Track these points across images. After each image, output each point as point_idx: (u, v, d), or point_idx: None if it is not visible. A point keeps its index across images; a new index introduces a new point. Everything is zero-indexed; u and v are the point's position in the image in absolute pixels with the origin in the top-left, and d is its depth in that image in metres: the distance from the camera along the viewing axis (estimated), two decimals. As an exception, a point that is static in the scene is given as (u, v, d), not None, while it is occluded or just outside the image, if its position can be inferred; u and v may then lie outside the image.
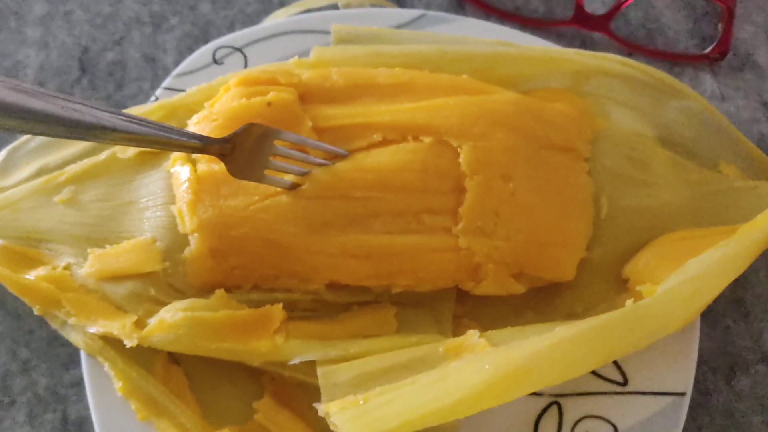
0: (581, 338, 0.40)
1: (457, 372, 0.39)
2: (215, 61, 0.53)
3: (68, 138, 0.38)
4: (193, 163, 0.45)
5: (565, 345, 0.40)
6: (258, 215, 0.44)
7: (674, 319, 0.42)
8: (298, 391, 0.45)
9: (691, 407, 0.48)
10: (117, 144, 0.43)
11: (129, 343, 0.42)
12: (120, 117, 0.38)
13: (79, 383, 0.47)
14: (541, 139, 0.47)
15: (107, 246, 0.45)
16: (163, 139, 0.40)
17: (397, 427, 0.37)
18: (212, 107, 0.46)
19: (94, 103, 0.38)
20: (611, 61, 0.50)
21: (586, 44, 0.59)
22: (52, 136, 0.37)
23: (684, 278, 0.42)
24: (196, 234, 0.44)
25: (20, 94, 0.35)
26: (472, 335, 0.42)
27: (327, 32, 0.53)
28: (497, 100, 0.47)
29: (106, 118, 0.37)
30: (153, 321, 0.43)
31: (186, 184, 0.44)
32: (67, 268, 0.45)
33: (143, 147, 0.43)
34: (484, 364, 0.39)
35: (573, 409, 0.45)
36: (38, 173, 0.48)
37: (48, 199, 0.46)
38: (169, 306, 0.43)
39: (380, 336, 0.44)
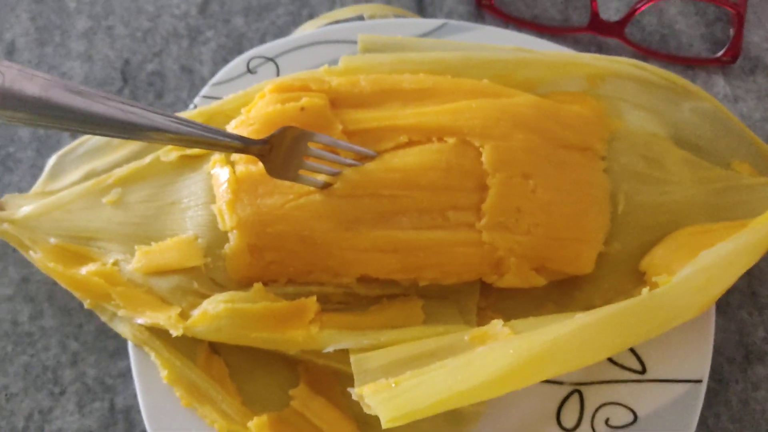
0: (600, 325, 0.42)
1: (482, 357, 0.41)
2: (249, 71, 0.56)
3: (124, 138, 0.41)
4: (232, 165, 0.48)
5: (585, 331, 0.42)
6: (293, 213, 0.46)
7: (689, 307, 0.44)
8: (331, 379, 0.47)
9: (708, 396, 0.50)
10: (167, 144, 0.46)
11: (175, 333, 0.45)
12: (171, 119, 0.41)
13: (125, 374, 0.50)
14: (559, 139, 0.49)
15: (152, 243, 0.48)
16: (210, 140, 0.43)
17: (428, 408, 0.40)
18: (249, 113, 0.49)
19: (147, 106, 0.41)
20: (625, 64, 0.53)
21: (601, 50, 0.62)
22: (110, 136, 0.40)
23: (698, 268, 0.44)
24: (235, 231, 0.47)
25: (81, 98, 0.38)
26: (496, 324, 0.44)
27: (354, 42, 0.56)
28: (517, 103, 0.50)
29: (160, 120, 0.40)
30: (196, 312, 0.45)
31: (225, 185, 0.47)
32: (115, 264, 0.48)
33: (191, 147, 0.46)
34: (508, 349, 0.41)
35: (594, 396, 0.48)
36: (86, 177, 0.51)
37: (97, 200, 0.50)
38: (211, 298, 0.46)
39: (408, 327, 0.47)
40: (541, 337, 0.41)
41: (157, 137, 0.41)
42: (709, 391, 0.50)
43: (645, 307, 0.43)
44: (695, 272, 0.44)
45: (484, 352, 0.42)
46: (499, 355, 0.41)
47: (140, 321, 0.46)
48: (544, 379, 0.42)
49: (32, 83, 0.37)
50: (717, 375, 0.51)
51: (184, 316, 0.46)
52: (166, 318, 0.45)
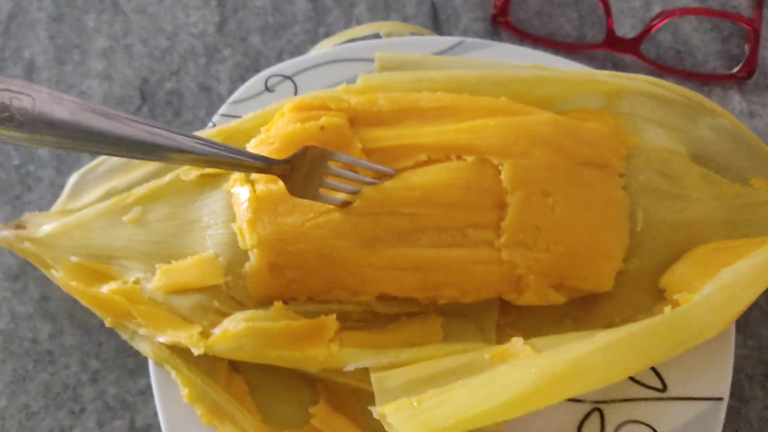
0: (621, 343, 0.42)
1: (504, 375, 0.41)
2: (267, 89, 0.57)
3: (149, 160, 0.41)
4: (252, 184, 0.48)
5: (607, 350, 0.42)
6: (313, 231, 0.47)
7: (710, 326, 0.44)
8: (351, 397, 0.47)
9: (728, 414, 0.49)
10: (191, 165, 0.46)
11: (196, 352, 0.45)
12: (196, 141, 0.41)
13: (145, 392, 0.51)
14: (577, 156, 0.50)
15: (173, 261, 0.48)
16: (233, 161, 0.43)
17: (451, 427, 0.40)
18: (268, 131, 0.50)
19: (172, 128, 0.41)
20: (642, 81, 0.53)
21: (617, 67, 0.62)
22: (136, 158, 0.41)
23: (718, 286, 0.44)
24: (255, 250, 0.47)
25: (109, 121, 0.39)
26: (517, 342, 0.44)
27: (371, 60, 0.56)
28: (535, 121, 0.50)
29: (185, 142, 0.41)
30: (217, 331, 0.46)
31: (246, 204, 0.47)
32: (136, 282, 0.48)
33: (214, 168, 0.46)
34: (531, 368, 0.41)
35: (614, 414, 0.47)
36: (107, 195, 0.52)
37: (117, 219, 0.50)
38: (231, 317, 0.46)
39: (428, 344, 0.47)
40: (563, 356, 0.41)
41: (182, 159, 0.41)
42: (730, 409, 0.50)
43: (667, 326, 0.43)
44: (716, 290, 0.44)
45: (506, 371, 0.42)
46: (521, 374, 0.41)
47: (162, 339, 0.46)
48: (567, 398, 0.42)
49: (61, 107, 0.38)
50: (737, 393, 0.51)
51: (205, 334, 0.46)
52: (187, 337, 0.45)
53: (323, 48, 0.61)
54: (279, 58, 0.63)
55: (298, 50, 0.63)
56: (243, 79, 0.61)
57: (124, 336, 0.48)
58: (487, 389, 0.41)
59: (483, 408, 0.40)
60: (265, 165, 0.45)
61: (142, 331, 0.47)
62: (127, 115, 0.40)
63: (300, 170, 0.46)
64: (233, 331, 0.45)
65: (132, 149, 0.40)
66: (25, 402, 0.50)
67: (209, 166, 0.44)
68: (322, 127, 0.49)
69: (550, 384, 0.40)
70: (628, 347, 0.42)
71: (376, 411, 0.42)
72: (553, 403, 0.41)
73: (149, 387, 0.50)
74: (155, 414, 0.49)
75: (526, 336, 0.46)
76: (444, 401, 0.41)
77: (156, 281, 0.47)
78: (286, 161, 0.45)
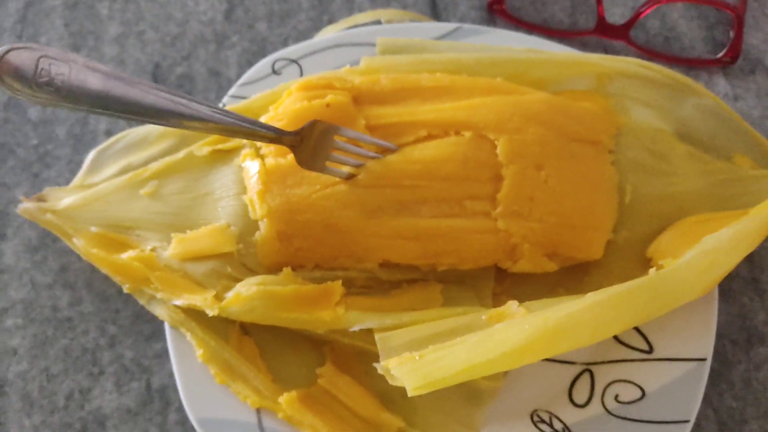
0: (610, 302, 0.45)
1: (500, 332, 0.44)
2: (274, 72, 0.59)
3: (172, 126, 0.44)
4: (262, 158, 0.51)
5: (596, 308, 0.45)
6: (320, 202, 0.49)
7: (693, 287, 0.47)
8: (356, 359, 0.50)
9: (712, 376, 0.52)
10: (209, 133, 0.49)
11: (211, 313, 0.48)
12: (215, 110, 0.44)
13: (160, 355, 0.53)
14: (569, 133, 0.52)
15: (188, 231, 0.51)
16: (248, 130, 0.46)
17: (450, 377, 0.42)
18: (277, 109, 0.52)
19: (193, 97, 0.44)
20: (631, 64, 0.56)
21: (607, 52, 0.65)
22: (160, 125, 0.44)
23: (701, 251, 0.47)
24: (265, 219, 0.50)
25: (136, 90, 0.42)
26: (512, 304, 0.47)
27: (372, 45, 0.59)
28: (530, 99, 0.53)
29: (204, 111, 0.44)
30: (230, 294, 0.48)
31: (256, 176, 0.50)
32: (153, 250, 0.51)
33: (230, 136, 0.48)
34: (524, 325, 0.44)
35: (603, 374, 0.50)
36: (123, 171, 0.54)
37: (134, 192, 0.53)
38: (243, 281, 0.49)
39: (428, 309, 0.50)
40: (555, 314, 0.44)
41: (201, 126, 0.44)
42: (714, 372, 0.53)
43: (652, 287, 0.46)
44: (699, 254, 0.47)
45: (501, 328, 0.45)
46: (515, 331, 0.44)
47: (178, 302, 0.49)
48: (558, 352, 0.45)
49: (95, 75, 0.41)
50: (721, 357, 0.53)
51: (218, 298, 0.49)
52: (202, 299, 0.48)
53: (327, 34, 0.64)
54: (285, 44, 0.65)
55: (303, 36, 0.66)
56: (251, 64, 0.63)
57: (141, 301, 0.51)
58: (484, 344, 0.43)
59: (480, 360, 0.43)
60: (276, 135, 0.47)
61: (159, 295, 0.49)
62: (152, 84, 0.43)
63: (308, 143, 0.48)
64: (245, 294, 0.48)
65: (155, 116, 0.43)
66: (45, 365, 0.53)
67: (225, 135, 0.47)
68: (327, 105, 0.51)
69: (543, 339, 0.43)
70: (615, 306, 0.45)
71: (380, 366, 0.45)
72: (545, 356, 0.44)
73: (164, 351, 0.53)
74: (170, 375, 0.52)
75: (521, 302, 0.48)
76: (444, 355, 0.44)
77: (172, 249, 0.50)
78: (296, 133, 0.48)
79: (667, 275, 0.46)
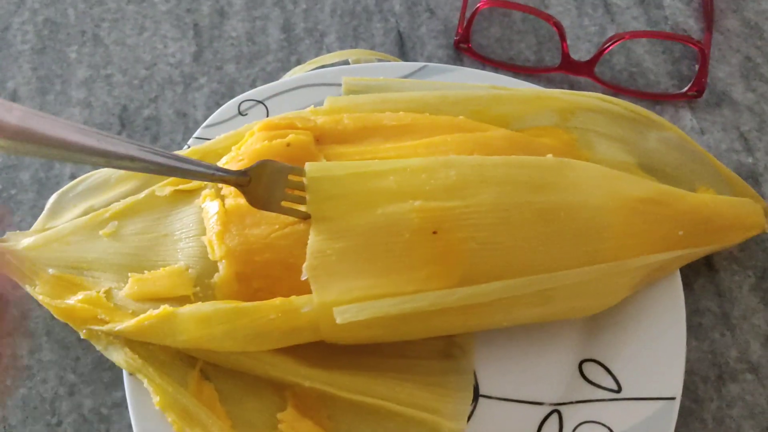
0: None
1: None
2: (240, 113, 0.59)
3: (101, 166, 0.45)
4: (222, 198, 0.51)
5: None
6: (278, 242, 0.49)
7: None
8: (318, 403, 0.49)
9: (683, 414, 0.51)
10: (145, 173, 0.49)
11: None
12: (147, 150, 0.44)
13: (120, 404, 0.52)
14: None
15: (146, 272, 0.50)
16: (187, 170, 0.46)
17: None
18: (239, 150, 0.52)
19: (125, 138, 0.45)
20: (593, 98, 0.56)
21: (573, 88, 0.65)
22: (88, 164, 0.44)
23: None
24: (224, 261, 0.49)
25: (58, 128, 0.42)
26: None
27: (339, 85, 0.59)
28: (491, 136, 0.53)
29: (134, 150, 0.44)
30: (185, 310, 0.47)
31: (215, 217, 0.50)
32: (107, 292, 0.50)
33: (168, 176, 0.47)
34: None
35: (572, 415, 0.49)
36: (85, 213, 0.54)
37: (94, 233, 0.52)
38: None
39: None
40: None
41: (133, 166, 0.44)
42: (685, 410, 0.52)
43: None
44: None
45: None
46: None
47: (125, 325, 0.47)
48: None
49: (11, 114, 0.41)
50: (692, 394, 0.52)
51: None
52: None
53: (295, 75, 0.64)
54: (253, 85, 0.66)
55: (272, 77, 0.66)
56: (218, 105, 0.63)
57: (99, 347, 0.50)
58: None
59: None
60: (221, 175, 0.47)
61: (107, 327, 0.48)
62: (78, 124, 0.43)
63: (259, 183, 0.48)
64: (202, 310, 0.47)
65: (82, 154, 0.42)
66: (3, 415, 0.52)
67: (164, 174, 0.46)
68: (288, 144, 0.51)
69: None
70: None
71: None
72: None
73: (124, 399, 0.52)
74: (130, 426, 0.50)
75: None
76: None
77: (128, 289, 0.49)
78: (242, 172, 0.48)
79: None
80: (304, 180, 0.47)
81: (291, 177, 0.49)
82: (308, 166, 0.47)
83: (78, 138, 0.42)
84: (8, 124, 0.40)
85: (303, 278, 0.46)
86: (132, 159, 0.44)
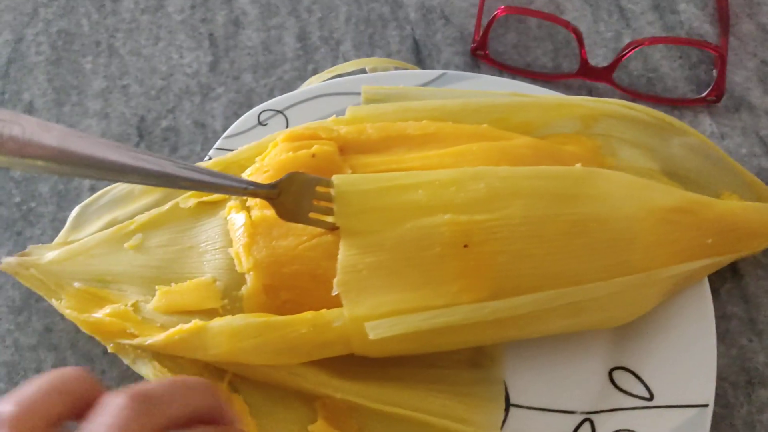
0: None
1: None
2: (260, 123, 0.59)
3: (136, 183, 0.45)
4: (248, 210, 0.51)
5: None
6: (306, 253, 0.49)
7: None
8: (348, 414, 0.49)
9: (714, 420, 0.51)
10: (180, 189, 0.48)
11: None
12: (181, 166, 0.44)
13: (146, 417, 0.52)
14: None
15: (172, 284, 0.50)
16: (220, 185, 0.46)
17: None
18: (263, 161, 0.52)
19: (158, 155, 0.44)
20: (615, 105, 0.56)
21: (591, 94, 0.65)
22: (123, 182, 0.44)
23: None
24: (251, 273, 0.49)
25: (95, 147, 0.41)
26: None
27: (357, 93, 0.59)
28: (516, 144, 0.53)
29: (169, 167, 0.44)
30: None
31: (242, 229, 0.49)
32: (135, 305, 0.50)
33: (202, 191, 0.48)
34: None
35: (604, 423, 0.49)
36: (108, 226, 0.53)
37: (119, 245, 0.52)
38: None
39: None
40: None
41: (169, 183, 0.44)
42: (716, 416, 0.51)
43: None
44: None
45: None
46: None
47: (155, 339, 0.47)
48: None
49: (50, 134, 0.40)
50: (722, 400, 0.52)
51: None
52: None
53: (312, 84, 0.64)
54: (270, 95, 0.65)
55: (289, 87, 0.66)
56: (237, 115, 0.63)
57: (126, 361, 0.49)
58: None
59: None
60: (252, 189, 0.47)
61: (137, 341, 0.47)
62: (113, 142, 0.42)
63: (288, 195, 0.48)
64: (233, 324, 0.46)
65: (116, 172, 0.42)
66: (27, 431, 0.51)
67: (198, 190, 0.46)
68: (313, 155, 0.51)
69: None
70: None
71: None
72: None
73: (150, 412, 0.51)
74: (156, 438, 0.50)
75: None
76: None
77: (155, 302, 0.49)
78: (272, 185, 0.48)
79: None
80: (331, 191, 0.47)
81: (318, 188, 0.48)
82: (336, 179, 0.47)
83: (116, 157, 0.42)
84: (48, 145, 0.40)
85: (334, 293, 0.45)
86: (168, 176, 0.44)
